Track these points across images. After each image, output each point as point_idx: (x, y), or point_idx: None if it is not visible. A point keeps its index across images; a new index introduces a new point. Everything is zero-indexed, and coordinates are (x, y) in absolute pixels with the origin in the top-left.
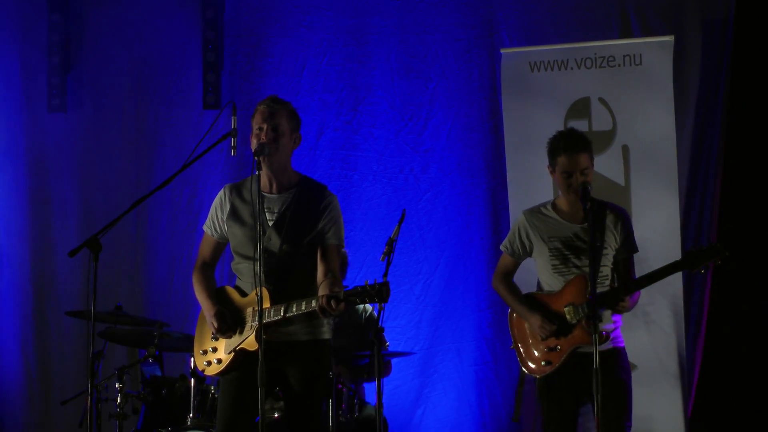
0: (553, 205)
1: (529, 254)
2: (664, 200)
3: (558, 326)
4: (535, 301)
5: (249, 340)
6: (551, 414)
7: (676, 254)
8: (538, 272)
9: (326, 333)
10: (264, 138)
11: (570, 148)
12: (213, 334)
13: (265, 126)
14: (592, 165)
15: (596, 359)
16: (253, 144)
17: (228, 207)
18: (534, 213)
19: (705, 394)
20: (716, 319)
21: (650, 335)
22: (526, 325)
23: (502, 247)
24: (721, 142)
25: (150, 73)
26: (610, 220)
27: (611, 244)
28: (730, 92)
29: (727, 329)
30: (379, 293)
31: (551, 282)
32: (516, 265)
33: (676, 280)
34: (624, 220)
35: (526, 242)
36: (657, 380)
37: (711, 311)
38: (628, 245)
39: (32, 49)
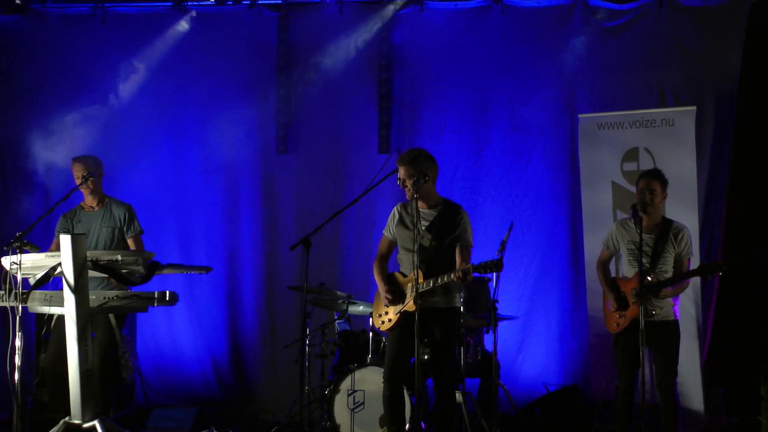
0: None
1: (618, 250)
2: (688, 220)
3: (623, 304)
4: (615, 284)
5: (409, 304)
6: (620, 359)
7: (694, 261)
8: (623, 263)
9: (458, 303)
10: (409, 184)
11: (644, 175)
12: (386, 303)
13: (403, 176)
14: (660, 190)
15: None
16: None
17: (398, 217)
18: (621, 223)
19: (714, 348)
20: (723, 298)
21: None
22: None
23: (602, 244)
24: (728, 180)
25: (342, 128)
26: (672, 233)
27: (670, 250)
28: (734, 145)
29: (731, 305)
30: (496, 265)
31: (628, 271)
32: (610, 257)
33: None
34: (684, 234)
35: (615, 242)
36: (682, 337)
37: (719, 292)
38: (685, 251)
39: (264, 111)
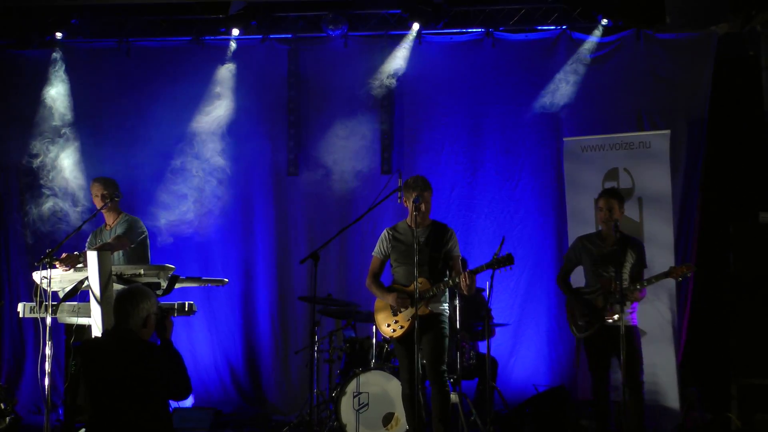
0: (599, 232)
1: (580, 262)
2: (664, 231)
3: (591, 310)
4: (579, 293)
5: (422, 308)
6: (591, 362)
7: (647, 272)
8: (585, 274)
9: (448, 310)
10: (423, 207)
11: (603, 194)
12: (394, 311)
13: (419, 200)
14: (618, 208)
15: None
16: (412, 197)
17: (391, 238)
18: (584, 237)
19: (689, 350)
20: (696, 303)
21: (656, 311)
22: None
23: (564, 258)
24: (699, 195)
25: (349, 151)
26: (629, 246)
27: (629, 260)
28: (705, 164)
29: (704, 310)
30: (508, 258)
31: (592, 281)
32: (571, 268)
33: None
34: (638, 247)
35: (577, 254)
36: (659, 341)
37: (693, 298)
38: (640, 263)
39: (276, 136)
